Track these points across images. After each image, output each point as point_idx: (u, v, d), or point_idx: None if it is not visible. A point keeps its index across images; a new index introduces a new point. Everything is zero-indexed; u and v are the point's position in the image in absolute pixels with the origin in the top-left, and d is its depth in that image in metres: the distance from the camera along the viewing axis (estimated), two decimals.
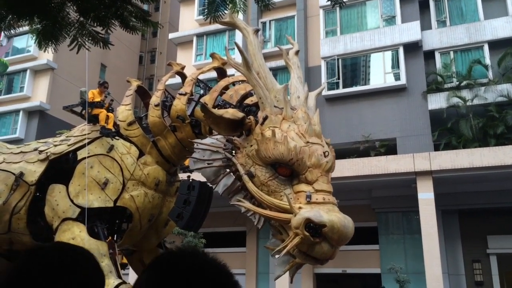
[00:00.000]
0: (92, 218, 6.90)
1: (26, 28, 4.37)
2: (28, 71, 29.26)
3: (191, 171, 8.45)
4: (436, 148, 20.47)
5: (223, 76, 7.73)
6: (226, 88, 7.36)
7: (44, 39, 3.57)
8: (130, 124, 7.75)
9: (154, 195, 7.51)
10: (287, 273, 17.08)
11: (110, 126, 7.62)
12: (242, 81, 7.37)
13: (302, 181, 5.09)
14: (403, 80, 21.80)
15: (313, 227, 4.67)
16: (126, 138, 7.68)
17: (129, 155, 7.48)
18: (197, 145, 5.98)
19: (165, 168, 7.69)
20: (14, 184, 7.55)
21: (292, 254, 4.91)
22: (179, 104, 7.35)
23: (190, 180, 7.38)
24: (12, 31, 4.19)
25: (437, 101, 21.44)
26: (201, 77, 8.02)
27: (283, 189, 5.10)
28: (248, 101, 6.73)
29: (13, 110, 29.06)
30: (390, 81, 22.21)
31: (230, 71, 7.98)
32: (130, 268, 8.79)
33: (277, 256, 5.19)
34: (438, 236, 17.00)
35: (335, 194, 5.32)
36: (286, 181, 5.16)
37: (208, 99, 7.03)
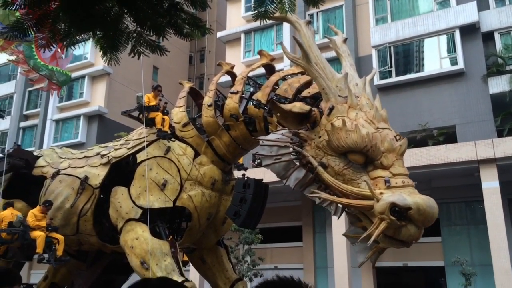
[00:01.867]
0: (153, 218, 7.13)
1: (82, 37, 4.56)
2: (86, 77, 30.61)
3: (245, 169, 8.54)
4: (500, 134, 19.41)
5: (271, 72, 7.72)
6: (276, 83, 7.36)
7: (107, 50, 3.72)
8: (184, 125, 7.92)
9: (211, 194, 7.64)
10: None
11: (166, 128, 7.81)
12: (293, 74, 7.34)
13: (378, 167, 5.11)
14: (460, 65, 20.81)
15: (398, 211, 4.69)
16: (182, 139, 7.86)
17: (185, 156, 7.65)
18: (262, 142, 6.02)
19: (220, 167, 7.80)
20: (80, 188, 7.94)
21: (375, 239, 4.88)
22: (231, 103, 7.42)
23: (245, 178, 7.45)
24: (71, 42, 4.37)
25: (499, 85, 20.30)
26: (250, 74, 8.05)
27: (359, 177, 5.13)
28: (305, 93, 6.71)
29: (74, 115, 30.53)
30: (447, 66, 21.26)
31: (278, 66, 7.96)
32: (191, 266, 8.99)
33: (358, 243, 5.20)
34: (505, 226, 16.14)
35: None
36: (360, 169, 5.18)
37: (260, 96, 7.06)
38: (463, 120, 20.41)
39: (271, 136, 5.99)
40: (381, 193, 4.84)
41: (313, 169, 5.37)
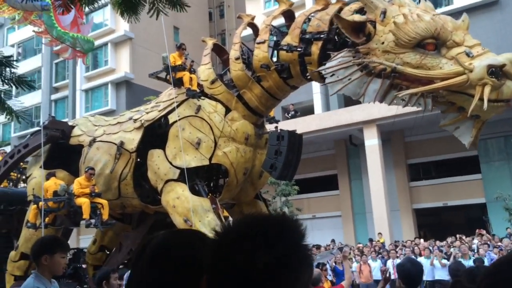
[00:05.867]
0: (191, 177, 7.21)
1: (101, 2, 4.46)
2: (109, 44, 30.62)
3: (277, 122, 8.46)
4: None
5: (291, 19, 7.49)
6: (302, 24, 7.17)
7: (125, 9, 3.62)
8: (212, 82, 7.83)
9: (246, 149, 7.63)
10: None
11: (194, 87, 7.75)
12: (316, 11, 7.10)
13: (452, 47, 5.32)
14: None
15: (494, 72, 4.91)
16: (211, 97, 7.79)
17: (216, 113, 7.61)
18: (325, 70, 6.08)
19: (252, 121, 7.73)
20: (117, 153, 8.08)
21: (472, 115, 5.10)
22: (260, 53, 7.26)
23: (279, 131, 7.38)
24: (91, 6, 4.28)
25: None
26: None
27: (439, 62, 5.29)
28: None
29: (102, 83, 30.85)
30: None
31: (296, 13, 7.72)
32: (231, 220, 9.16)
33: (459, 125, 5.41)
34: None
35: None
36: (436, 55, 5.36)
37: (290, 39, 6.90)
38: (500, 51, 19.41)
39: (333, 63, 6.02)
40: (470, 64, 5.02)
41: (389, 74, 5.46)
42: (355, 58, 5.78)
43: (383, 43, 5.54)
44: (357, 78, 5.76)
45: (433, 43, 5.32)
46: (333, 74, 5.96)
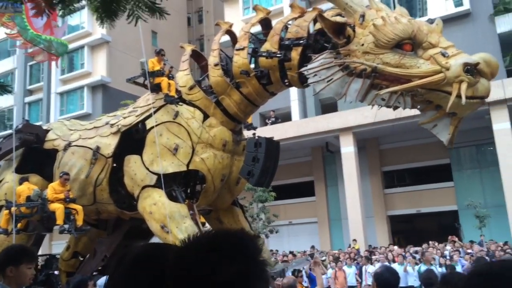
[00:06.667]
0: (168, 183, 7.18)
1: (77, 4, 4.43)
2: (85, 47, 30.23)
3: (255, 128, 8.50)
4: (510, 74, 19.07)
5: (268, 27, 7.58)
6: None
7: (104, 16, 3.60)
8: (191, 88, 7.83)
9: (223, 155, 7.64)
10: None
11: (172, 93, 7.73)
12: (293, 19, 7.22)
13: (428, 48, 5.52)
14: (466, 5, 20.22)
15: (469, 70, 5.12)
16: (189, 103, 7.79)
17: (194, 119, 7.61)
18: (307, 71, 6.19)
19: (230, 127, 7.75)
20: (93, 158, 7.98)
21: (450, 110, 5.25)
22: (240, 59, 7.30)
23: (256, 138, 7.43)
24: (68, 10, 4.25)
25: (506, 23, 19.75)
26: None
27: (417, 62, 5.50)
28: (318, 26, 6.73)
29: (77, 87, 30.39)
30: (451, 8, 20.66)
31: (274, 21, 7.84)
32: (208, 227, 9.13)
33: (437, 123, 5.59)
34: None
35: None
36: (414, 55, 5.57)
37: (269, 45, 6.98)
38: None
39: (315, 64, 6.14)
40: (447, 63, 5.24)
41: (370, 74, 5.62)
42: (336, 59, 5.92)
43: (362, 44, 5.71)
44: (339, 78, 5.90)
45: (410, 43, 5.52)
46: (315, 75, 6.10)
